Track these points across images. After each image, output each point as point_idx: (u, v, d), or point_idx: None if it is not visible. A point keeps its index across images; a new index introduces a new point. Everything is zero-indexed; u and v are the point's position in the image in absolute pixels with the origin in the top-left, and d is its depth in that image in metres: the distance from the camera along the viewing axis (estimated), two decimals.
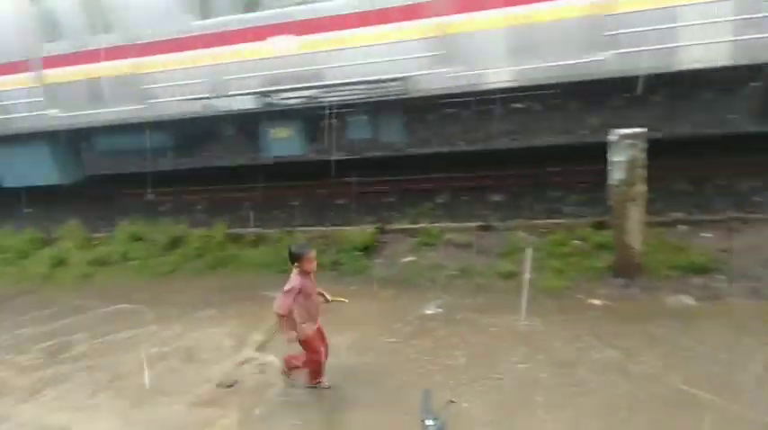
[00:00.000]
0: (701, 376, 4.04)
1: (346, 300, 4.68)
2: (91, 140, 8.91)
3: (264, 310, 5.74)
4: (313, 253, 4.10)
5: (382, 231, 6.94)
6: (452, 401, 3.89)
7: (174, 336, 5.62)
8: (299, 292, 4.02)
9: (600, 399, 3.99)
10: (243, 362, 5.01)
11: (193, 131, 8.58)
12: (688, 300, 5.02)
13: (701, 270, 5.32)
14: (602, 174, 5.26)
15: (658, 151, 6.09)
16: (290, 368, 4.46)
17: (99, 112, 8.15)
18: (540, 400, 4.06)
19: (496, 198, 7.60)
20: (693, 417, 3.70)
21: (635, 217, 5.13)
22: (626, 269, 5.42)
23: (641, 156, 4.92)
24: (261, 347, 5.19)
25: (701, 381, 3.99)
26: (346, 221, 7.47)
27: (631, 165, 4.93)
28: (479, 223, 6.81)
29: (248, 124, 8.05)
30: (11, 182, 9.28)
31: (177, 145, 8.61)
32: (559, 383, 4.20)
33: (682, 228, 6.09)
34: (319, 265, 6.57)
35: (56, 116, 8.35)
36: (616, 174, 5.06)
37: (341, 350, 4.95)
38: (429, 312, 5.45)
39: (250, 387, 4.66)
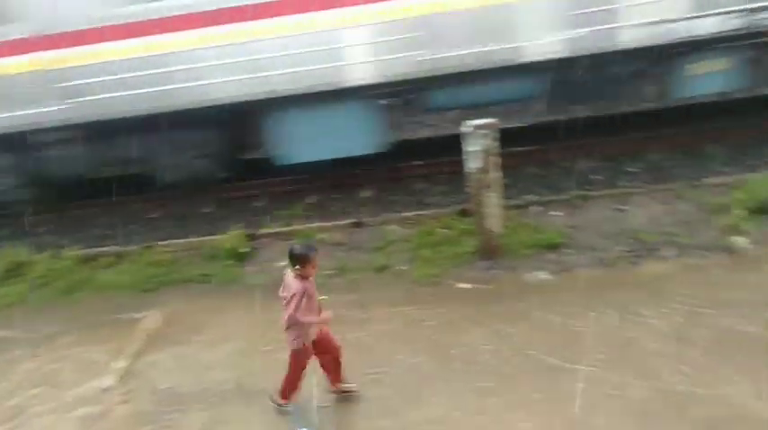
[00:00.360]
0: (561, 345, 4.41)
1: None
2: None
3: (126, 335, 5.32)
4: (318, 254, 3.76)
5: (254, 237, 6.71)
6: (324, 406, 3.86)
7: (28, 371, 5.00)
8: (302, 297, 3.64)
9: (476, 378, 4.20)
10: (104, 391, 4.59)
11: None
12: (544, 275, 5.46)
13: (554, 246, 5.80)
14: (462, 164, 5.53)
15: (511, 139, 6.60)
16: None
17: None
18: (422, 387, 4.19)
19: (366, 194, 7.70)
20: (559, 385, 4.03)
21: (492, 202, 5.45)
22: (489, 252, 5.75)
23: (494, 145, 5.23)
24: (125, 375, 4.78)
25: (560, 351, 4.35)
26: (214, 230, 7.13)
27: (485, 153, 5.23)
28: (352, 220, 6.85)
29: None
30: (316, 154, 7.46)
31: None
32: (439, 367, 4.37)
33: (535, 208, 6.59)
34: (187, 279, 6.33)
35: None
36: (472, 163, 5.34)
37: (216, 366, 4.74)
38: None
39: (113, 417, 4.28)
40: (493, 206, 5.50)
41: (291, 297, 3.60)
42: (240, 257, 6.37)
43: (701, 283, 4.95)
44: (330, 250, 6.38)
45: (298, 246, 3.76)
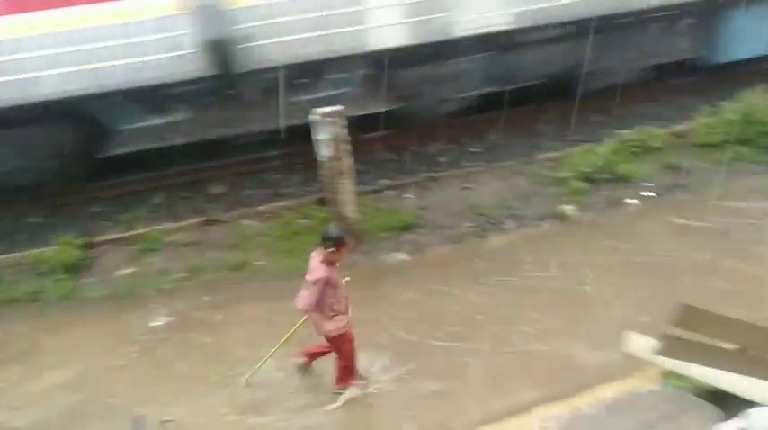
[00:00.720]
0: (419, 321, 4.58)
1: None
2: None
3: None
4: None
5: (90, 246, 6.06)
6: (167, 420, 3.63)
7: None
8: (327, 283, 3.48)
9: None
10: None
11: None
12: (402, 256, 5.63)
13: (409, 227, 6.00)
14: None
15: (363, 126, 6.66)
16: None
17: None
18: (279, 390, 4.10)
19: (218, 190, 7.32)
20: (417, 359, 4.18)
21: (346, 189, 5.47)
22: None
23: (343, 132, 5.23)
24: None
25: (419, 326, 4.52)
26: (43, 242, 6.31)
27: (335, 141, 5.21)
28: (203, 218, 6.48)
29: None
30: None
31: None
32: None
33: (389, 193, 6.75)
34: (13, 299, 5.54)
35: None
36: (323, 151, 5.31)
37: (57, 389, 4.23)
38: (158, 323, 5.00)
39: None
40: (347, 193, 5.52)
41: (315, 282, 3.47)
42: (74, 269, 5.72)
43: (539, 250, 5.44)
44: (181, 252, 6.00)
45: (334, 228, 3.71)
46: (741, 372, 0.90)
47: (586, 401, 3.63)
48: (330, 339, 3.74)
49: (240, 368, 4.25)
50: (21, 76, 5.88)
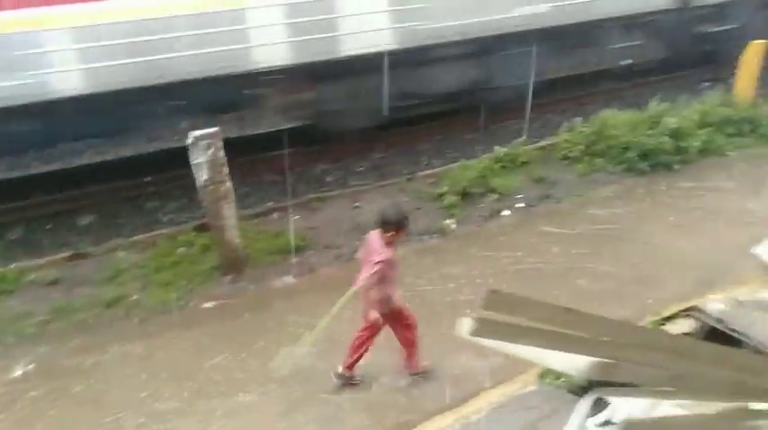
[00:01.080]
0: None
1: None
2: None
3: None
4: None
5: None
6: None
7: None
8: (388, 266, 3.57)
9: (233, 395, 4.01)
10: None
11: None
12: (290, 280, 5.53)
13: (297, 249, 5.90)
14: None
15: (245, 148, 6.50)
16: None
17: None
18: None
19: (86, 220, 6.76)
20: (308, 386, 4.10)
21: (228, 214, 5.29)
22: (233, 265, 5.58)
23: (221, 154, 5.07)
24: None
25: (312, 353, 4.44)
26: None
27: (213, 164, 5.03)
28: (70, 252, 5.94)
29: None
30: None
31: None
32: (192, 395, 4.06)
33: (275, 215, 6.63)
34: None
35: None
36: (201, 175, 5.10)
37: None
38: (18, 374, 4.47)
39: None
40: (230, 218, 5.34)
41: (378, 263, 3.53)
42: None
43: (423, 264, 5.60)
44: (44, 291, 5.45)
45: (393, 211, 3.69)
46: (548, 348, 1.00)
47: (474, 409, 3.76)
48: (391, 314, 3.82)
49: (121, 412, 3.93)
50: None
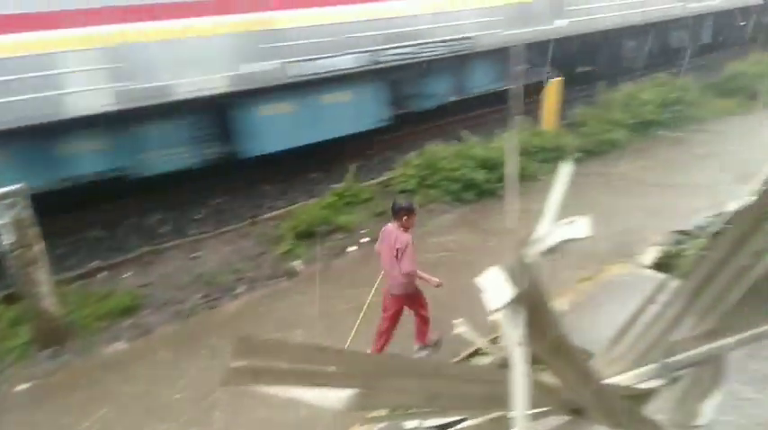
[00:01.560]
0: (149, 417, 4.08)
1: None
2: None
3: None
4: None
5: None
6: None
7: None
8: (412, 247, 4.07)
9: None
10: None
11: None
12: (122, 345, 4.99)
13: (129, 310, 5.39)
14: None
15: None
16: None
17: None
18: None
19: None
20: None
21: (41, 279, 4.67)
22: (52, 337, 4.91)
23: (27, 213, 4.48)
24: None
25: (154, 423, 4.02)
26: None
27: (19, 225, 4.43)
28: None
29: None
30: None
31: None
32: None
33: (102, 275, 6.01)
34: None
35: None
36: (5, 239, 4.45)
37: None
38: None
39: None
40: (43, 284, 4.71)
41: (405, 248, 4.04)
42: None
43: (273, 310, 5.43)
44: None
45: (402, 200, 4.29)
46: (304, 386, 1.03)
47: None
48: (412, 296, 4.34)
49: None
50: None
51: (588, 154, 9.04)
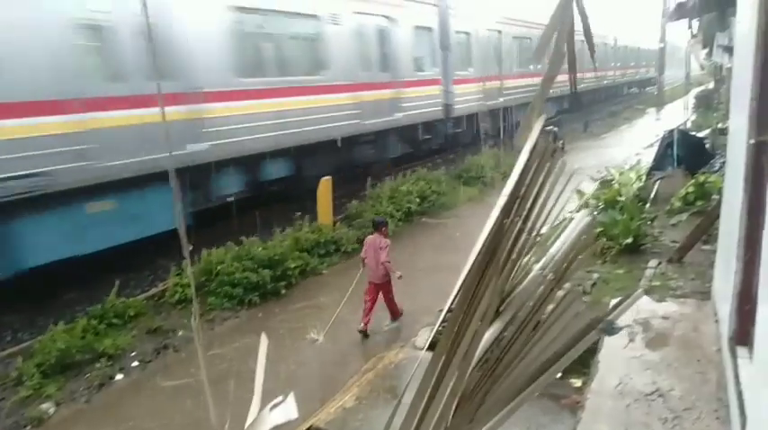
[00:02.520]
0: None
1: None
2: None
3: None
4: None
5: None
6: None
7: None
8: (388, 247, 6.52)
9: None
10: None
11: None
12: None
13: None
14: None
15: None
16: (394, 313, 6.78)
17: None
18: None
19: None
20: None
21: None
22: None
23: None
24: None
25: None
26: None
27: None
28: None
29: None
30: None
31: None
32: None
33: None
34: None
35: None
36: None
37: None
38: None
39: None
40: None
41: (386, 246, 6.44)
42: None
43: None
44: None
45: (377, 218, 7.12)
46: None
47: None
48: (385, 284, 6.52)
49: None
50: None
51: (363, 244, 9.60)
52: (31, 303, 7.23)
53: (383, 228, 6.64)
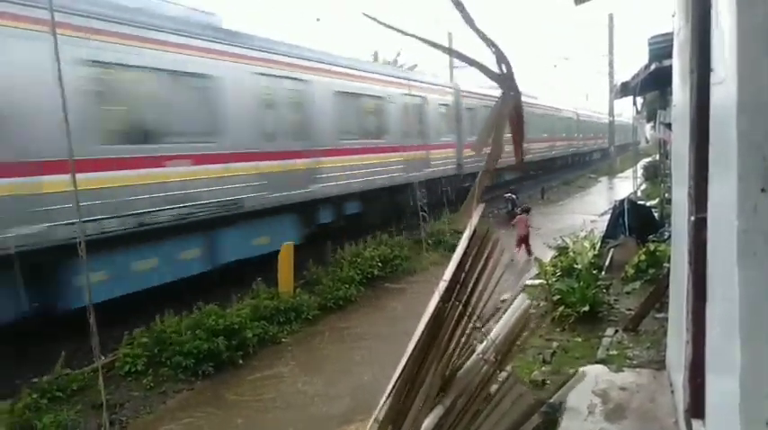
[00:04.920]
0: None
1: None
2: None
3: None
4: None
5: None
6: None
7: None
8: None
9: None
10: None
11: None
12: None
13: None
14: None
15: None
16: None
17: None
18: None
19: None
20: None
21: None
22: None
23: None
24: None
25: None
26: None
27: None
28: None
29: None
30: None
31: None
32: None
33: None
34: None
35: None
36: None
37: None
38: None
39: None
40: None
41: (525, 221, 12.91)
42: None
43: None
44: None
45: (525, 206, 15.47)
46: None
47: None
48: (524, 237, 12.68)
49: None
50: None
51: (324, 310, 9.48)
52: None
53: (525, 211, 13.72)
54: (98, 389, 6.46)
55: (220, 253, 9.78)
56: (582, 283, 7.30)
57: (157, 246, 8.62)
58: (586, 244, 9.79)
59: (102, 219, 7.57)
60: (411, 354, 1.79)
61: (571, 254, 9.38)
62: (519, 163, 2.64)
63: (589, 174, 36.05)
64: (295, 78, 11.44)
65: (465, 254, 1.85)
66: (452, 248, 10.62)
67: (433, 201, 16.72)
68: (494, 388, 1.97)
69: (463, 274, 1.85)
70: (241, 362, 7.50)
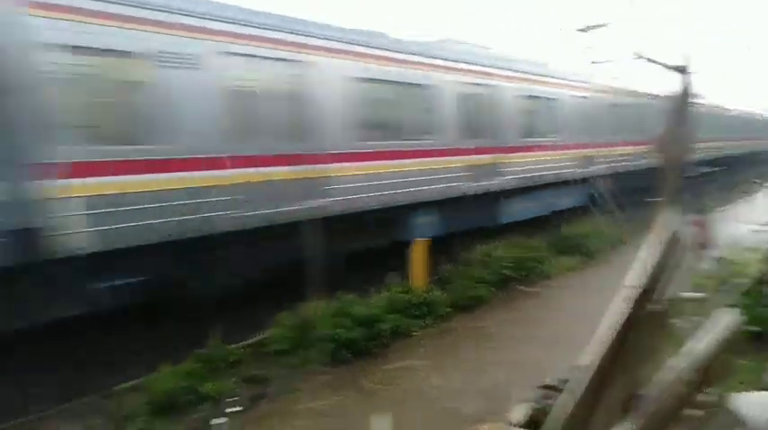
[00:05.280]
0: None
1: None
2: None
3: None
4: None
5: None
6: None
7: None
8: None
9: None
10: None
11: None
12: None
13: None
14: None
15: None
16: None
17: None
18: None
19: None
20: None
21: None
22: None
23: None
24: None
25: None
26: None
27: None
28: None
29: None
30: None
31: None
32: None
33: None
34: None
35: None
36: None
37: None
38: None
39: None
40: None
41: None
42: None
43: None
44: None
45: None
46: None
47: None
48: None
49: None
50: None
51: (456, 309, 9.47)
52: (139, 340, 7.72)
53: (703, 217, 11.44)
54: (251, 365, 7.09)
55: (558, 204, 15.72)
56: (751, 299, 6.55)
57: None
58: (757, 255, 8.75)
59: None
60: (599, 365, 1.72)
61: (734, 266, 8.45)
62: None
63: (753, 178, 32.26)
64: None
65: (657, 259, 1.74)
66: (588, 254, 9.87)
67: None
68: (688, 411, 1.83)
69: (655, 280, 1.75)
70: (376, 351, 7.75)
